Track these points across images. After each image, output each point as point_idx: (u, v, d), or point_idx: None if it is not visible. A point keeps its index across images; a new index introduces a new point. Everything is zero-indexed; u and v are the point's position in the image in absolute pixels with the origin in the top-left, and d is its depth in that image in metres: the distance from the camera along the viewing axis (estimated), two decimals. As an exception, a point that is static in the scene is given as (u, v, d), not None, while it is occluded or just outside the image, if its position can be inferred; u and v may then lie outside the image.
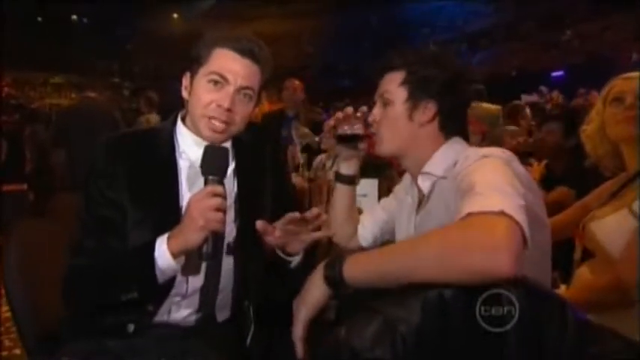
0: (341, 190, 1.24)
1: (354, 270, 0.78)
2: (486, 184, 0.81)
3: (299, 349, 0.82)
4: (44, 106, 9.57)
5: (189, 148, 1.07)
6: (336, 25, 12.14)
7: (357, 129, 1.12)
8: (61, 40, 11.11)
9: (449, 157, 1.02)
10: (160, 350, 1.00)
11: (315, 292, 0.82)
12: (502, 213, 0.71)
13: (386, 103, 1.07)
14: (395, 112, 1.06)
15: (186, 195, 1.05)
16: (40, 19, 11.11)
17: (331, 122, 1.16)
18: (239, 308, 1.13)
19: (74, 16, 11.87)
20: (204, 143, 1.04)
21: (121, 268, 0.99)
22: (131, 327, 1.01)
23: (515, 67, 11.10)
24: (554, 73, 10.18)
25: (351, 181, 1.23)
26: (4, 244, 1.14)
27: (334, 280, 0.79)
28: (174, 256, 0.93)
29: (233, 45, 1.02)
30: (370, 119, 1.09)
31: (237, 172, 1.12)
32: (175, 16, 12.61)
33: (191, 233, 0.91)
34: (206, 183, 0.95)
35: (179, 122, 1.10)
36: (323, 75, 12.84)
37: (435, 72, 1.05)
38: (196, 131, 1.06)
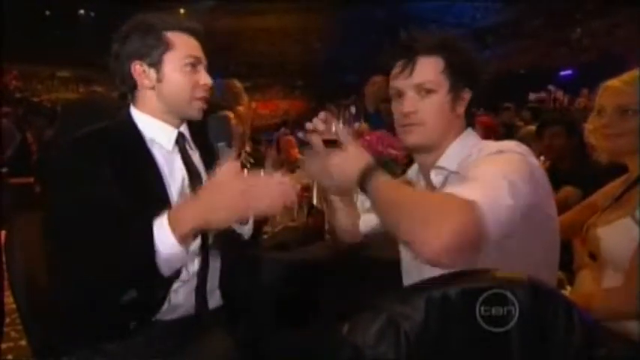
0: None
1: (377, 192, 0.86)
2: (483, 175, 0.82)
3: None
4: (50, 100, 9.64)
5: (158, 135, 1.06)
6: (344, 20, 12.10)
7: (333, 134, 1.05)
8: (69, 33, 11.16)
9: (463, 150, 0.99)
10: (158, 345, 1.00)
11: (345, 181, 0.91)
12: (473, 203, 0.73)
13: (428, 92, 0.98)
14: (438, 103, 0.98)
15: (170, 183, 1.04)
16: (47, 12, 11.17)
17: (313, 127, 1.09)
18: (228, 295, 1.12)
19: (82, 10, 11.93)
20: (171, 128, 1.08)
21: (115, 266, 0.91)
22: (133, 324, 1.00)
23: (524, 65, 11.00)
24: (564, 72, 10.08)
25: None
26: (9, 236, 1.15)
27: (363, 187, 0.88)
28: (183, 238, 0.87)
29: (181, 26, 1.06)
30: (406, 110, 0.99)
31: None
32: (182, 11, 12.63)
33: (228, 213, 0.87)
34: (217, 150, 1.01)
35: (136, 112, 1.08)
36: (329, 70, 12.82)
37: (468, 57, 1.00)
38: (175, 115, 1.07)
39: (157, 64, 1.04)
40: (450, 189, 0.89)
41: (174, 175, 1.06)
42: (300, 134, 1.03)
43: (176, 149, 1.08)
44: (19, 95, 10.06)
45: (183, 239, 0.88)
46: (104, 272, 0.92)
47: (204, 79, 1.06)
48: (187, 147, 1.11)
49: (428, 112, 0.98)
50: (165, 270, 0.90)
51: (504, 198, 0.76)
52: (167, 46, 1.03)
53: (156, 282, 0.93)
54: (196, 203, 0.90)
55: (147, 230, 0.88)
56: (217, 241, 1.09)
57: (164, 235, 0.87)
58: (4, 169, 4.30)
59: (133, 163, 1.02)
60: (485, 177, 0.82)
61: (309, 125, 1.08)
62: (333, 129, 1.06)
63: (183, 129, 1.11)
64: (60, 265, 0.98)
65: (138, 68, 1.04)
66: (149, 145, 1.06)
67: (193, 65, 1.05)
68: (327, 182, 0.97)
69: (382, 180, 0.87)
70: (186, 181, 1.07)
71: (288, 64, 13.39)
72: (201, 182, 1.04)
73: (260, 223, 1.06)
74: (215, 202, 0.87)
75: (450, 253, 0.70)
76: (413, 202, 0.79)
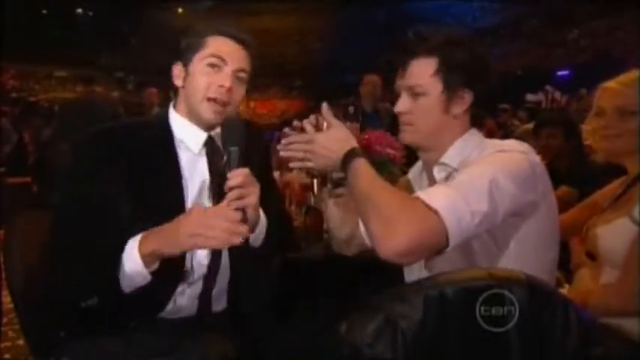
0: (331, 193, 1.17)
1: (355, 178, 0.89)
2: (469, 178, 0.85)
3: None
4: (47, 100, 9.60)
5: (187, 136, 1.06)
6: (343, 20, 12.10)
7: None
8: (66, 33, 11.14)
9: (466, 148, 0.99)
10: (159, 343, 0.99)
11: (329, 159, 0.94)
12: (435, 213, 0.77)
13: (417, 95, 0.98)
14: (429, 105, 0.98)
15: (189, 186, 1.04)
16: (45, 11, 11.14)
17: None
18: (234, 301, 1.12)
19: (79, 10, 11.91)
20: (200, 131, 1.06)
21: (82, 268, 0.93)
22: (133, 324, 1.00)
23: (521, 66, 11.02)
24: (561, 72, 10.10)
25: (339, 183, 1.14)
26: (6, 235, 1.15)
27: (344, 168, 0.92)
28: (148, 259, 0.90)
29: (224, 31, 1.05)
30: (397, 110, 1.01)
31: None
32: (180, 10, 12.62)
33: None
34: (227, 155, 0.96)
35: (173, 111, 1.09)
36: (328, 70, 12.81)
37: (468, 56, 0.97)
38: (194, 117, 1.06)
39: (187, 65, 1.05)
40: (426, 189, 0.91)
41: (194, 178, 1.05)
42: (287, 129, 1.02)
43: (203, 152, 1.07)
44: (16, 95, 10.02)
45: (145, 259, 0.91)
46: (72, 273, 0.95)
47: (222, 80, 1.01)
48: (216, 152, 1.07)
49: (417, 114, 1.00)
50: (126, 284, 0.92)
51: (476, 204, 0.80)
52: (199, 47, 1.03)
53: (112, 297, 0.93)
54: (165, 227, 0.91)
55: (121, 241, 0.91)
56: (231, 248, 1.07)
57: (132, 251, 0.91)
58: (1, 169, 4.29)
59: (156, 162, 1.02)
60: (471, 179, 0.85)
61: (296, 124, 1.07)
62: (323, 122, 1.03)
63: (215, 133, 1.08)
64: (48, 260, 1.00)
65: (175, 70, 1.07)
66: (177, 145, 1.06)
67: (215, 65, 1.02)
68: (308, 161, 0.97)
69: (362, 168, 0.90)
70: (206, 186, 1.06)
71: (287, 65, 13.38)
72: (220, 189, 1.00)
73: (286, 227, 1.04)
74: (174, 230, 0.89)
75: (403, 256, 0.78)
76: (382, 198, 0.82)
